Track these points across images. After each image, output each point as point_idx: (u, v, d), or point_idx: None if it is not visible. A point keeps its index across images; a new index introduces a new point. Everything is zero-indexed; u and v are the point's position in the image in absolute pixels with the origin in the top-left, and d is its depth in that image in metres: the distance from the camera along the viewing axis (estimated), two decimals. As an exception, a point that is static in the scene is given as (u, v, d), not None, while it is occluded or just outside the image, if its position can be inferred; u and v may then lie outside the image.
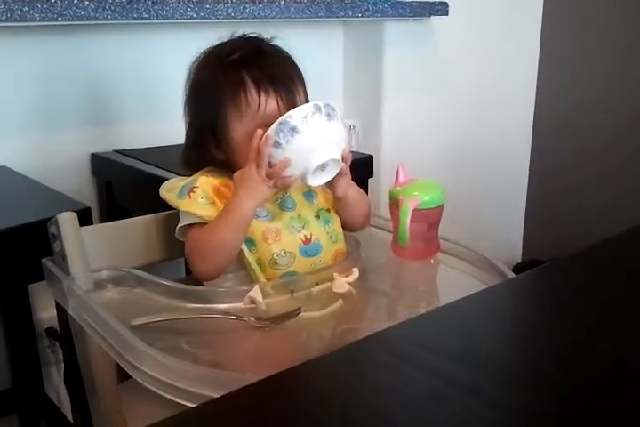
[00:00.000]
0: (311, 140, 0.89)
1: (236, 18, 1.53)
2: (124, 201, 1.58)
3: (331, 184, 0.97)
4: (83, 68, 1.56)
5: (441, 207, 1.02)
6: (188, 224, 0.95)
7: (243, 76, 0.94)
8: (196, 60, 0.99)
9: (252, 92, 0.94)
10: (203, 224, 0.94)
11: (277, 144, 0.88)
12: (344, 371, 0.50)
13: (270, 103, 0.94)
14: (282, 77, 0.95)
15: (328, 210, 1.02)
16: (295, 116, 0.88)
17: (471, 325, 0.58)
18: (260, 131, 0.90)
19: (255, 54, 0.97)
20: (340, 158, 0.92)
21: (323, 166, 0.91)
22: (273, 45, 1.00)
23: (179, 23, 1.57)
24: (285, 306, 0.87)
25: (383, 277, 1.05)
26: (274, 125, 0.88)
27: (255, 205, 0.91)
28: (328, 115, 0.89)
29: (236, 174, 0.93)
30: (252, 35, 1.01)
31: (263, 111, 0.93)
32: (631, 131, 2.17)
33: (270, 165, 0.90)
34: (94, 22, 1.39)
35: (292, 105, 0.94)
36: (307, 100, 0.99)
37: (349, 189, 0.99)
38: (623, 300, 0.61)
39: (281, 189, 0.94)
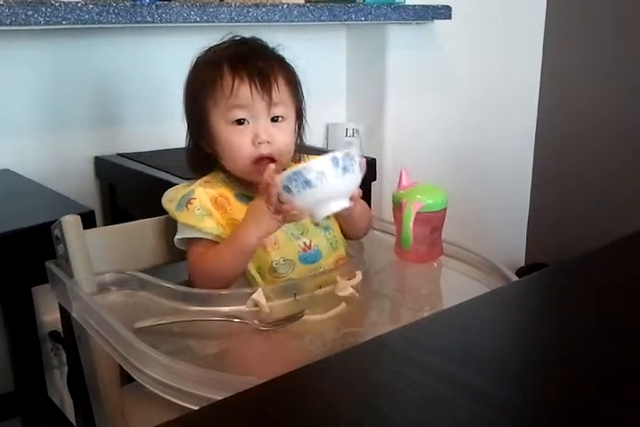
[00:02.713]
0: (322, 195, 0.88)
1: (239, 21, 1.53)
2: (127, 204, 1.58)
3: None
4: (86, 72, 1.56)
5: (444, 210, 1.02)
6: (189, 238, 0.96)
7: (222, 66, 0.95)
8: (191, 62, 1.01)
9: (227, 76, 0.94)
10: (203, 240, 0.94)
11: (288, 189, 0.87)
12: (347, 374, 0.50)
13: (242, 89, 0.94)
14: (260, 66, 0.95)
15: (327, 217, 1.02)
16: (311, 170, 0.86)
17: (474, 328, 0.58)
18: (272, 165, 0.90)
19: (239, 46, 0.98)
20: (348, 204, 0.91)
21: None
22: (265, 46, 1.01)
23: (182, 27, 1.57)
24: (289, 309, 0.87)
25: (386, 280, 1.05)
26: (287, 172, 0.87)
27: (261, 237, 0.91)
28: (344, 168, 0.88)
29: (250, 205, 0.93)
30: (246, 36, 1.02)
31: (235, 95, 0.94)
32: (635, 134, 2.16)
33: (280, 201, 0.89)
34: (98, 26, 1.39)
35: (267, 95, 0.94)
36: (296, 101, 1.00)
37: (354, 207, 0.98)
38: (625, 303, 0.61)
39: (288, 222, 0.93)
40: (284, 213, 0.89)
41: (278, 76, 0.96)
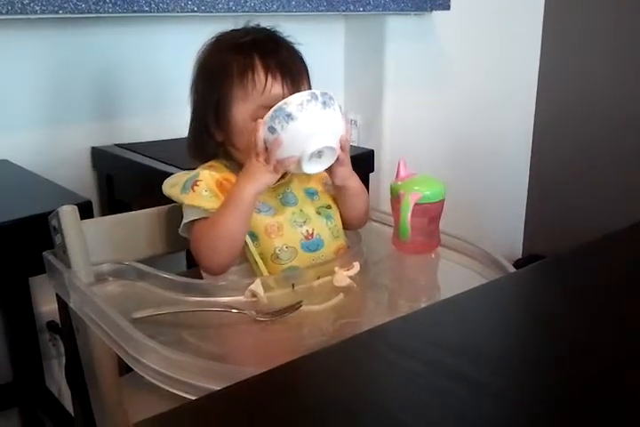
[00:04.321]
0: (306, 126, 0.89)
1: (237, 11, 1.53)
2: (124, 195, 1.58)
3: (330, 172, 0.97)
4: (83, 62, 1.55)
5: (442, 202, 1.02)
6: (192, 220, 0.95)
7: (253, 57, 0.95)
8: (205, 44, 1.00)
9: (260, 73, 0.95)
10: (206, 219, 0.94)
11: (272, 129, 0.89)
12: (344, 364, 0.50)
13: (276, 87, 0.95)
14: (290, 65, 0.96)
15: (329, 206, 1.02)
16: (291, 103, 0.89)
17: (471, 319, 0.58)
18: (260, 121, 0.91)
19: (267, 40, 0.98)
20: (335, 146, 0.92)
21: (319, 154, 0.91)
22: (285, 38, 1.01)
23: (180, 16, 1.56)
24: (286, 300, 0.87)
25: (384, 271, 1.05)
26: (270, 112, 0.89)
27: (254, 190, 0.91)
28: (324, 103, 0.90)
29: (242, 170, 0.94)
30: (266, 26, 1.02)
31: (267, 94, 0.94)
32: (634, 126, 2.16)
33: (267, 150, 0.90)
34: (95, 15, 1.38)
35: (296, 93, 0.95)
36: None
37: (349, 179, 0.99)
38: (622, 295, 0.61)
39: (281, 172, 0.93)
40: (272, 160, 0.90)
41: (304, 77, 0.98)
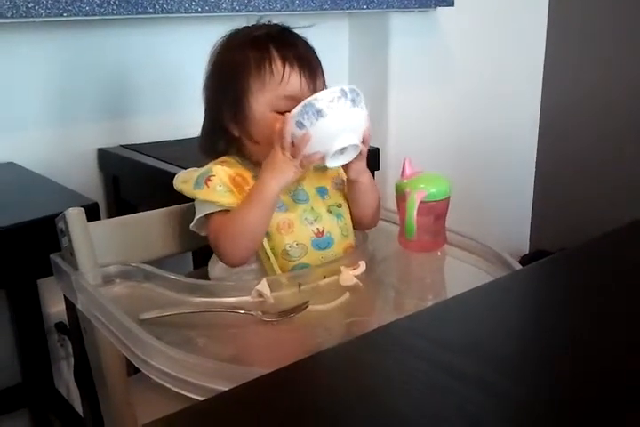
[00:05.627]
0: (334, 124, 0.89)
1: (240, 11, 1.53)
2: (130, 196, 1.59)
3: (346, 166, 0.97)
4: (88, 64, 1.56)
5: (447, 199, 1.02)
6: (207, 214, 0.95)
7: (269, 49, 0.95)
8: (218, 41, 1.00)
9: (278, 63, 0.94)
10: (223, 212, 0.94)
11: (301, 125, 0.88)
12: (351, 363, 0.50)
13: (293, 77, 0.94)
14: (306, 56, 0.97)
15: (339, 205, 1.02)
16: (322, 99, 0.88)
17: (478, 317, 0.58)
18: (287, 115, 0.90)
19: (282, 33, 0.99)
20: (359, 144, 0.92)
21: (343, 150, 0.92)
22: (297, 33, 1.01)
23: (184, 17, 1.56)
24: (293, 299, 0.87)
25: (390, 269, 1.05)
26: (299, 106, 0.88)
27: (279, 186, 0.91)
28: (353, 100, 0.89)
29: (264, 162, 0.93)
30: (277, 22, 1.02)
31: (285, 84, 0.94)
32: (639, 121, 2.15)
33: (293, 144, 0.90)
34: (99, 17, 1.39)
35: (312, 84, 0.95)
36: (324, 88, 1.00)
37: (363, 174, 0.99)
38: (628, 291, 0.61)
39: (306, 170, 0.93)
40: (299, 155, 0.89)
41: (319, 69, 0.98)
